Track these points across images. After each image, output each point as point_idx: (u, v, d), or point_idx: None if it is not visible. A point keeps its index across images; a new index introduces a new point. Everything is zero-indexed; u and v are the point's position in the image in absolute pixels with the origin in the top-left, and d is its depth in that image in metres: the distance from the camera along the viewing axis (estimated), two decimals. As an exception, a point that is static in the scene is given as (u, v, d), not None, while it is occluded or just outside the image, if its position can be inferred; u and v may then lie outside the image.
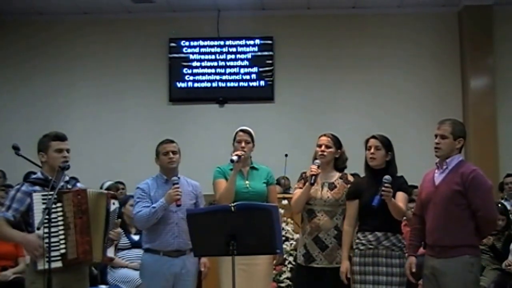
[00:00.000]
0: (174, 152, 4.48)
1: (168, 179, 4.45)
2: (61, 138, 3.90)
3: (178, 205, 4.29)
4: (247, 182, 4.43)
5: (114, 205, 3.94)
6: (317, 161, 4.28)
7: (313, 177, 4.18)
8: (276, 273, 5.58)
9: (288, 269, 5.64)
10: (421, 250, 4.19)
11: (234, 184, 4.34)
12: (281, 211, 5.39)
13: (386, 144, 4.21)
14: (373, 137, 4.25)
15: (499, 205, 6.12)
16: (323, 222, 4.24)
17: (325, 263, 4.21)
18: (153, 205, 4.32)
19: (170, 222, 4.36)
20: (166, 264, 4.34)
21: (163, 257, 4.35)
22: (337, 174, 4.37)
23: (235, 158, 4.29)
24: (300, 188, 4.32)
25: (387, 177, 3.99)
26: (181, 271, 4.35)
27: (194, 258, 4.40)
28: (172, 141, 4.54)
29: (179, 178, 4.43)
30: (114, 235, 3.98)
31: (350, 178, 4.37)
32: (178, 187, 4.29)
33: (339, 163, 4.41)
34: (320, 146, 4.34)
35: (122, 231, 4.17)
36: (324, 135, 4.39)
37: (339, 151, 4.38)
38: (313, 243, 4.24)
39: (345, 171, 4.45)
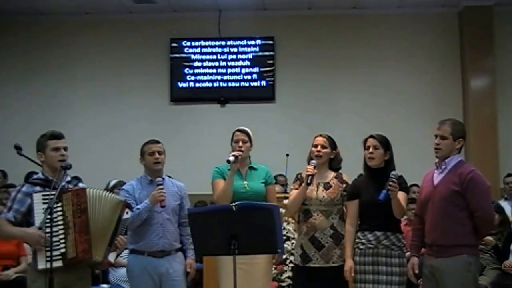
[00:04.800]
0: (160, 153, 4.49)
1: (152, 180, 4.45)
2: (58, 136, 3.88)
3: (163, 206, 4.30)
4: (245, 182, 4.42)
5: (127, 214, 3.93)
6: (313, 161, 4.28)
7: (310, 177, 4.18)
8: (277, 273, 5.59)
9: (289, 268, 5.65)
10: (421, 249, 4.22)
11: (231, 184, 4.31)
12: (282, 210, 5.40)
13: (385, 144, 4.22)
14: (371, 136, 4.26)
15: (493, 203, 6.13)
16: (319, 222, 4.24)
17: (321, 262, 4.20)
18: (137, 207, 4.31)
19: (155, 222, 4.35)
20: (151, 264, 4.34)
21: (147, 257, 4.35)
22: (332, 174, 4.37)
23: (231, 158, 4.28)
24: (296, 189, 4.32)
25: (394, 172, 4.02)
26: (169, 271, 4.36)
27: (180, 258, 4.44)
28: (158, 142, 4.54)
29: (163, 178, 4.43)
30: (120, 243, 3.91)
31: (345, 178, 4.37)
32: (162, 188, 4.29)
33: (334, 164, 4.40)
34: (316, 146, 4.34)
35: (126, 239, 4.15)
36: (320, 135, 4.39)
37: (334, 151, 4.38)
38: (309, 243, 4.24)
39: (345, 171, 4.45)
